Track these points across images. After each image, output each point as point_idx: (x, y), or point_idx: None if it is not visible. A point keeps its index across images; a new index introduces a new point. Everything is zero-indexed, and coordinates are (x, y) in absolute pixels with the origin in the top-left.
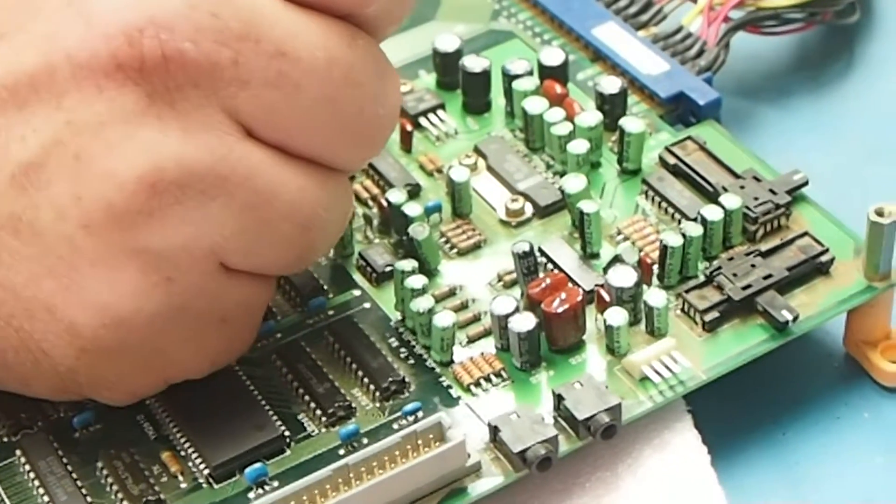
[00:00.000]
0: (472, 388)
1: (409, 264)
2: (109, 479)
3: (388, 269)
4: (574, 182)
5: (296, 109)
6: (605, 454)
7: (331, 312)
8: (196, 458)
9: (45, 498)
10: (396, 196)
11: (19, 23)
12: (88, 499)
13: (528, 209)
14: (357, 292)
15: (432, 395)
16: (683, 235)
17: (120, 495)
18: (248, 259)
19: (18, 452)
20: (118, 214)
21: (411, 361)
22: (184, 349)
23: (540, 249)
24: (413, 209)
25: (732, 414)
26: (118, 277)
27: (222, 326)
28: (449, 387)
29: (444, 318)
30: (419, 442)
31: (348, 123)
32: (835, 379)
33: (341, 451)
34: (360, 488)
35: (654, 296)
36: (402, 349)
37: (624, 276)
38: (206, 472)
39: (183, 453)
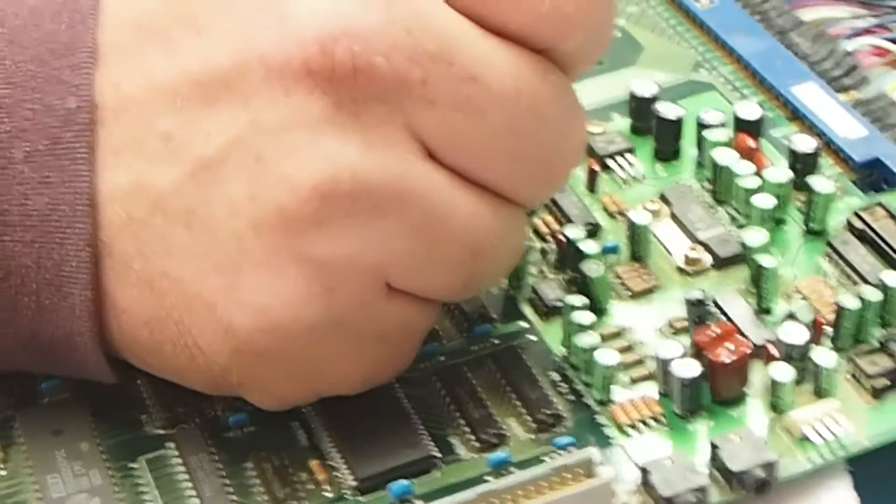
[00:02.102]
0: (629, 429)
1: (578, 300)
2: (256, 481)
3: (559, 304)
4: (756, 235)
5: (479, 135)
6: None
7: (496, 341)
8: (344, 469)
9: (192, 492)
10: (574, 232)
11: (216, 21)
12: (233, 498)
13: (707, 260)
14: (524, 324)
15: (587, 432)
16: (861, 299)
17: (265, 497)
18: (413, 280)
19: (172, 445)
20: (288, 219)
21: (570, 397)
22: (338, 363)
23: (714, 300)
24: (590, 247)
25: (894, 484)
26: (280, 282)
27: (379, 345)
28: (605, 426)
29: (607, 357)
30: (567, 476)
31: (530, 156)
32: None
33: (489, 478)
34: None
35: (824, 356)
36: (563, 384)
37: (796, 334)
38: (352, 483)
39: (331, 463)
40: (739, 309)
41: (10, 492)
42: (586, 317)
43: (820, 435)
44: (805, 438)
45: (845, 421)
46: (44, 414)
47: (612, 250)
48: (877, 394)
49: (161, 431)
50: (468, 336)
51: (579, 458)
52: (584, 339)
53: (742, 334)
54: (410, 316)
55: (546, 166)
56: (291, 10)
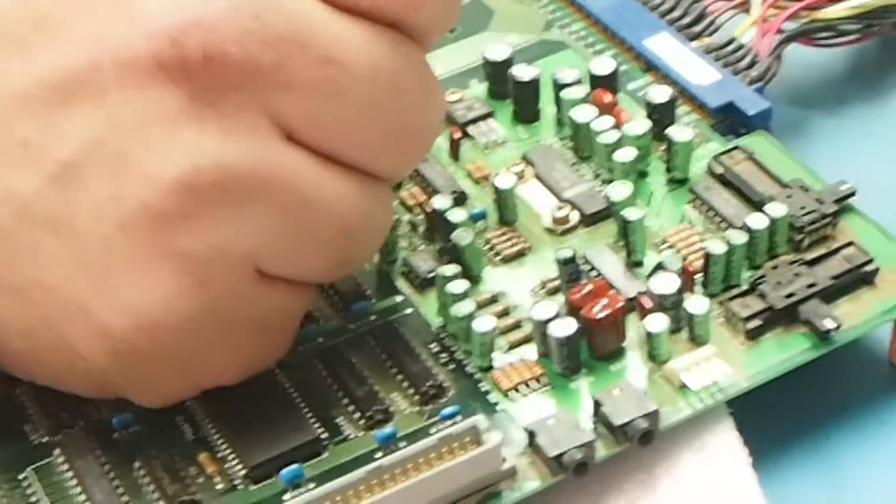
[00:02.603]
0: (511, 393)
1: (451, 269)
2: (146, 480)
3: (432, 275)
4: (620, 190)
5: (339, 115)
6: (643, 457)
7: (373, 317)
8: (233, 460)
9: (83, 497)
10: (441, 202)
11: (68, 21)
12: (125, 499)
13: (574, 217)
14: (400, 298)
15: (471, 400)
16: (727, 243)
17: (156, 495)
18: (286, 265)
19: (57, 451)
20: (154, 215)
21: (451, 367)
22: (217, 354)
23: (584, 257)
24: (458, 215)
25: (775, 421)
26: (152, 280)
27: (258, 333)
28: (488, 392)
29: (484, 323)
30: (455, 445)
31: (391, 131)
32: (880, 388)
33: (378, 455)
34: (394, 490)
35: (696, 303)
36: (443, 354)
37: (666, 284)
38: (242, 473)
39: (220, 454)
40: (610, 264)
41: None
42: (459, 286)
43: (698, 381)
44: (684, 386)
45: (722, 365)
46: None
47: (481, 216)
48: (750, 335)
49: (46, 439)
50: (345, 315)
51: (465, 427)
52: (460, 308)
53: (614, 289)
54: (285, 301)
55: (407, 139)
56: (140, 5)
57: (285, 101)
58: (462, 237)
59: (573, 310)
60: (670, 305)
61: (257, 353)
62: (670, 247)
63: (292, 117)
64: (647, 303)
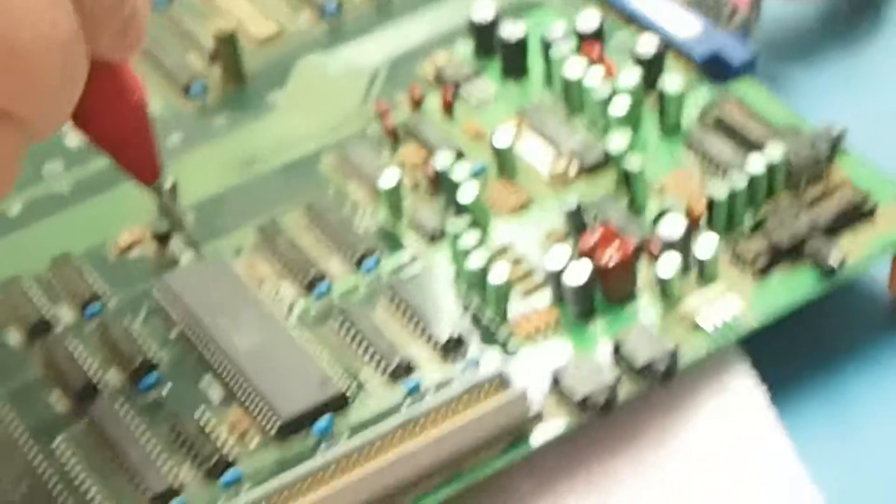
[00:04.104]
0: (530, 340)
1: (460, 224)
2: (179, 441)
3: (439, 231)
4: (617, 140)
5: None
6: (663, 399)
7: (386, 273)
8: (263, 417)
9: (117, 462)
10: (443, 161)
11: None
12: (160, 460)
13: (573, 169)
14: (409, 255)
15: (491, 349)
16: (729, 187)
17: (191, 455)
18: None
19: (86, 419)
20: None
21: (468, 318)
22: None
23: (587, 207)
24: (460, 172)
25: (786, 358)
26: None
27: None
28: (506, 341)
29: (499, 274)
30: (482, 393)
31: None
32: (883, 322)
33: (405, 405)
34: (425, 439)
35: (704, 244)
36: (459, 306)
37: (673, 228)
38: (274, 429)
39: (250, 411)
40: (614, 213)
41: None
42: (471, 239)
43: (712, 320)
44: (697, 326)
45: (734, 302)
46: None
47: (481, 171)
48: (758, 274)
49: (73, 406)
50: (358, 272)
51: (490, 375)
52: (473, 262)
53: (621, 236)
54: None
55: None
56: None
57: None
58: (467, 194)
59: (583, 258)
60: (678, 249)
61: None
62: (670, 194)
63: None
64: (656, 247)
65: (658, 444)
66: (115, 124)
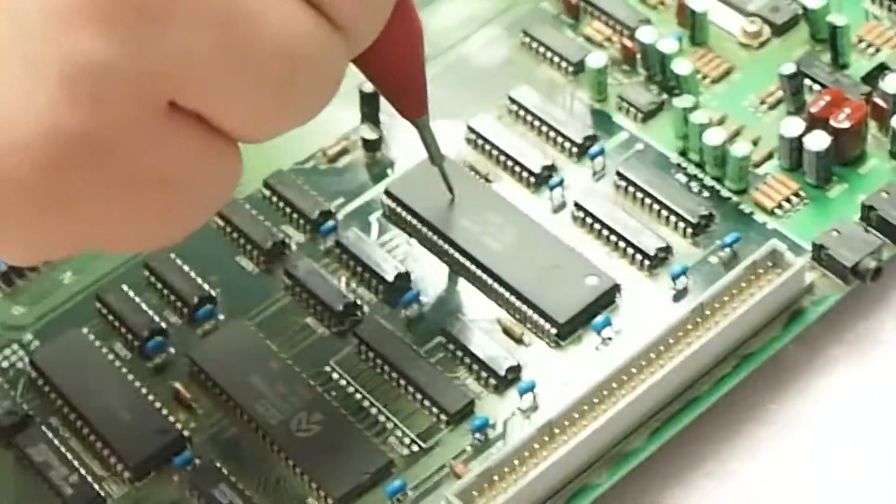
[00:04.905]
0: (776, 211)
1: (687, 101)
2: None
3: (652, 106)
4: None
5: None
6: None
7: (610, 157)
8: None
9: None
10: (647, 34)
11: None
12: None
13: (766, 30)
14: (626, 134)
15: (739, 223)
16: None
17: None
18: (209, 95)
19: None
20: (54, 7)
21: (706, 194)
22: (105, 202)
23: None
24: (669, 45)
25: None
26: (33, 85)
27: (159, 189)
28: (752, 213)
29: (741, 148)
30: (760, 270)
31: None
32: None
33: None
34: (712, 330)
35: None
36: (693, 183)
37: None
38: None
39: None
40: (823, 73)
41: None
42: (703, 115)
43: None
44: None
45: None
46: None
47: (678, 41)
48: None
49: None
50: (583, 158)
51: (764, 251)
52: (713, 138)
53: (849, 97)
54: (195, 151)
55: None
56: None
57: None
58: (682, 66)
59: (814, 122)
60: None
61: (152, 214)
62: (869, 45)
63: None
64: (883, 103)
65: None
66: (397, 52)
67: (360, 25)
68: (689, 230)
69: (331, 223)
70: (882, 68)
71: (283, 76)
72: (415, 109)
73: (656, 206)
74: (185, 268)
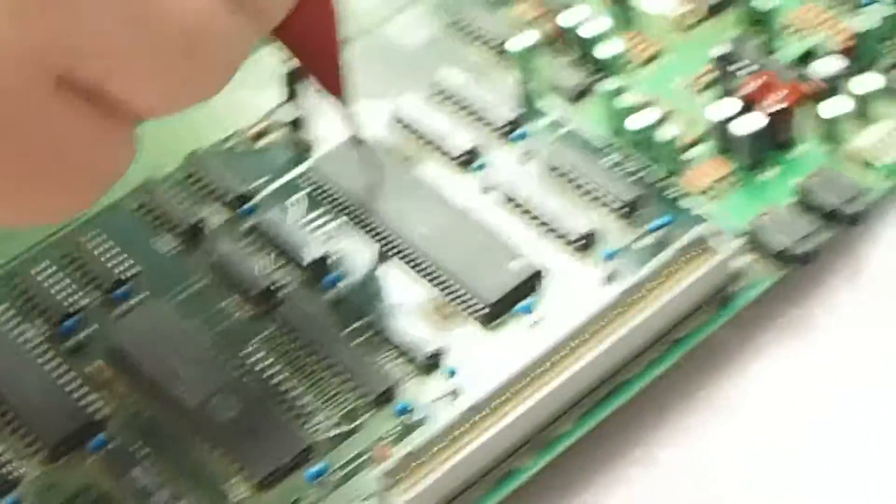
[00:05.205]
0: (708, 194)
1: (612, 83)
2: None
3: (581, 88)
4: None
5: None
6: (849, 241)
7: (536, 141)
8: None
9: None
10: (572, 16)
11: None
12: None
13: (699, 9)
14: (555, 116)
15: (670, 207)
16: (875, 17)
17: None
18: (103, 70)
19: None
20: None
21: (636, 178)
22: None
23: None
24: (591, 27)
25: None
26: None
27: (48, 160)
28: (683, 196)
29: (668, 131)
30: (689, 255)
31: None
32: None
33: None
34: (640, 315)
35: (866, 80)
36: (623, 166)
37: (827, 66)
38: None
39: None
40: (751, 54)
41: None
42: (629, 98)
43: (885, 157)
44: (869, 164)
45: None
46: None
47: (609, 21)
48: None
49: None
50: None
51: (691, 238)
52: (639, 121)
53: (782, 80)
54: (90, 130)
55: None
56: None
57: None
58: (609, 50)
59: (748, 104)
60: (838, 87)
61: (43, 188)
62: (796, 30)
63: None
64: (816, 87)
65: (851, 285)
66: (311, 29)
67: (267, 3)
68: (619, 213)
69: (251, 204)
70: (813, 52)
71: (185, 49)
72: (334, 87)
73: (585, 189)
74: (103, 247)
